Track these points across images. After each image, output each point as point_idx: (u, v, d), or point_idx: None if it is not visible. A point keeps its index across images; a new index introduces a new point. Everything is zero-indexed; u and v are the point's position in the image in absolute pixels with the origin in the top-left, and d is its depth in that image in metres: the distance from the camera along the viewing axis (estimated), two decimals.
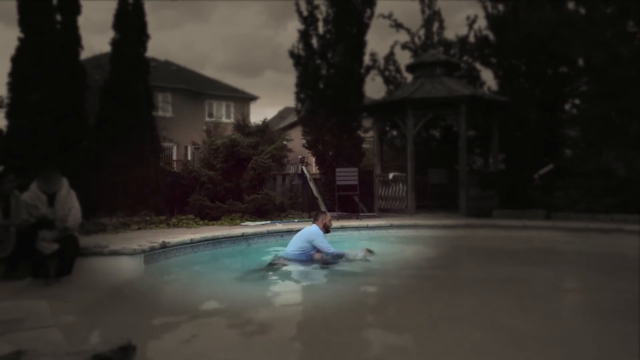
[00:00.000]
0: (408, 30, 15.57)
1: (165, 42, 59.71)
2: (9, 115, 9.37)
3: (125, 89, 10.30)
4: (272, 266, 6.23)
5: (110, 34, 10.53)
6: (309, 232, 6.76)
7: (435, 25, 15.44)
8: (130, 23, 10.50)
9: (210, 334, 3.98)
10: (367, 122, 14.43)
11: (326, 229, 6.93)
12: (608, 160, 11.31)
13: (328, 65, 13.19)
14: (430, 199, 12.88)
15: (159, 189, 10.64)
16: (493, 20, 13.91)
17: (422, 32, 15.53)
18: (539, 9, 12.30)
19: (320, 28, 13.25)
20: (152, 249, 6.15)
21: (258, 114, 40.95)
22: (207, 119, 27.25)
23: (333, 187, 12.03)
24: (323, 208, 11.35)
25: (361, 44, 13.24)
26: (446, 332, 3.83)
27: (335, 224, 7.76)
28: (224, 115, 29.32)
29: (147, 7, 10.94)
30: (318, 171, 14.07)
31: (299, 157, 15.53)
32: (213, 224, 9.50)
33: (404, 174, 12.40)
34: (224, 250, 7.45)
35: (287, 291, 5.62)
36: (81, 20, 9.94)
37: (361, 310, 4.76)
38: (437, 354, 3.38)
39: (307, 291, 5.65)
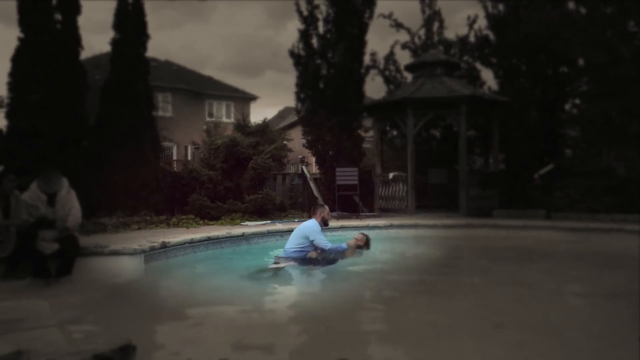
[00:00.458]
0: (408, 30, 15.58)
1: (165, 42, 59.74)
2: (9, 115, 9.38)
3: (125, 88, 10.30)
4: (272, 266, 6.22)
5: (110, 34, 10.54)
6: (306, 227, 6.67)
7: (436, 25, 15.45)
8: (130, 23, 10.50)
9: (211, 333, 3.98)
10: (367, 122, 14.42)
11: (325, 222, 6.82)
12: (608, 160, 11.33)
13: (328, 65, 13.17)
14: (431, 199, 12.88)
15: (159, 189, 10.64)
16: (493, 20, 13.92)
17: (422, 32, 15.55)
18: (539, 9, 12.31)
19: (321, 28, 13.23)
20: (152, 248, 6.14)
21: (258, 114, 40.97)
22: (207, 119, 27.25)
23: (333, 186, 12.02)
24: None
25: (361, 44, 13.23)
26: (446, 332, 3.83)
27: (335, 223, 7.76)
28: (224, 115, 29.32)
29: (147, 7, 10.95)
30: (318, 171, 14.06)
31: (299, 156, 15.52)
32: (213, 224, 9.50)
33: (404, 173, 12.40)
34: (224, 250, 7.44)
35: (286, 292, 5.62)
36: (81, 20, 9.95)
37: (360, 311, 4.75)
38: (436, 354, 3.38)
39: (307, 292, 5.64)
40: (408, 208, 11.96)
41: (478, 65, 14.70)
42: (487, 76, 16.79)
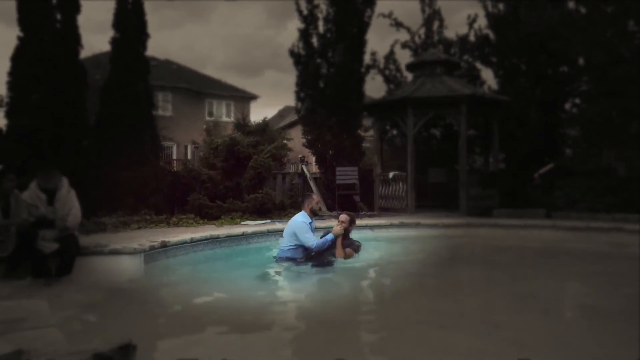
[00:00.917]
0: (408, 30, 15.58)
1: (165, 42, 59.75)
2: (8, 115, 9.37)
3: (125, 88, 10.29)
4: (271, 266, 6.21)
5: (110, 33, 10.52)
6: (293, 223, 6.47)
7: (436, 24, 15.45)
8: (130, 22, 10.49)
9: (210, 333, 3.98)
10: (367, 121, 14.42)
11: (313, 213, 6.61)
12: (608, 160, 11.33)
13: (328, 64, 13.17)
14: (431, 198, 12.88)
15: (159, 188, 10.63)
16: (493, 20, 13.92)
17: (422, 31, 15.55)
18: (539, 9, 12.31)
19: (321, 27, 13.22)
20: (152, 248, 6.14)
21: (258, 114, 41.06)
22: (207, 118, 27.24)
23: (333, 186, 12.02)
24: (324, 208, 11.33)
25: (361, 43, 13.22)
26: (445, 331, 3.83)
27: (335, 223, 7.66)
28: (224, 114, 29.31)
29: (148, 7, 10.93)
30: (318, 170, 14.06)
31: (299, 156, 15.51)
32: (213, 223, 9.49)
33: (404, 173, 12.40)
34: (224, 249, 7.44)
35: (286, 291, 5.62)
36: (81, 20, 9.94)
37: (359, 311, 4.75)
38: (436, 353, 3.38)
39: (306, 292, 5.63)
40: (408, 207, 11.96)
41: (478, 65, 14.72)
42: (487, 75, 16.82)
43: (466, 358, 3.30)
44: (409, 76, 14.21)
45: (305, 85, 13.26)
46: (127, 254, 5.84)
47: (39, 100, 9.14)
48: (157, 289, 5.50)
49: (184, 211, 10.48)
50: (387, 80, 15.45)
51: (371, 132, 14.55)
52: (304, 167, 13.68)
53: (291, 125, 24.00)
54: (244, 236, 7.95)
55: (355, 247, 6.53)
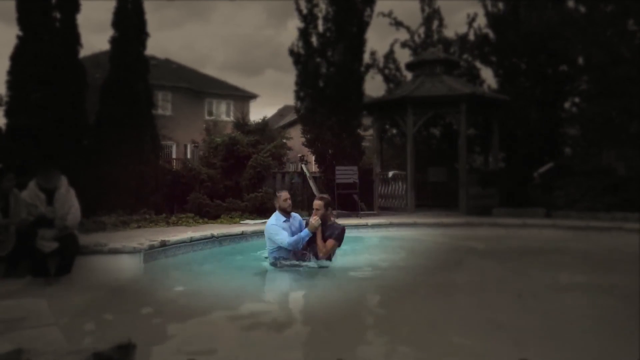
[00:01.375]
0: (408, 29, 15.58)
1: (166, 42, 59.79)
2: (8, 114, 9.36)
3: (124, 87, 10.28)
4: (270, 266, 6.19)
5: (110, 33, 10.51)
6: (266, 228, 6.14)
7: (435, 24, 15.46)
8: (130, 21, 10.48)
9: (210, 332, 3.97)
10: (367, 121, 14.42)
11: (284, 211, 6.15)
12: (608, 159, 11.33)
13: (328, 63, 13.16)
14: (430, 198, 12.89)
15: (159, 188, 10.63)
16: (493, 19, 13.92)
17: (421, 31, 15.56)
18: (539, 8, 12.32)
19: (320, 26, 13.21)
20: (152, 247, 6.14)
21: (258, 113, 41.04)
22: (207, 118, 27.25)
23: (333, 185, 12.01)
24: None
25: (361, 43, 13.21)
26: (445, 331, 3.83)
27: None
28: (223, 113, 29.32)
29: (148, 6, 10.95)
30: (318, 169, 14.06)
31: (299, 155, 15.51)
32: (213, 223, 9.49)
33: (404, 172, 12.41)
34: (224, 248, 7.44)
35: (285, 291, 5.61)
36: (80, 19, 9.94)
37: (358, 311, 4.74)
38: (435, 352, 3.38)
39: (305, 292, 5.63)
40: (408, 206, 11.97)
41: (478, 64, 14.73)
42: (487, 75, 16.81)
43: (466, 358, 3.30)
44: (409, 75, 14.22)
45: (305, 85, 13.26)
46: (127, 253, 5.84)
47: (39, 100, 9.13)
48: (157, 288, 5.49)
49: (184, 210, 10.48)
50: (387, 79, 15.46)
51: (371, 132, 14.55)
52: (303, 166, 13.67)
53: (291, 124, 24.00)
54: (243, 235, 7.95)
55: (337, 236, 5.92)
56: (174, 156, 24.31)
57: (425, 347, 3.48)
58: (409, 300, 4.96)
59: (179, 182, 11.65)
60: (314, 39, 13.23)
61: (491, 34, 14.11)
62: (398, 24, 15.49)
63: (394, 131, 15.19)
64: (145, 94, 10.72)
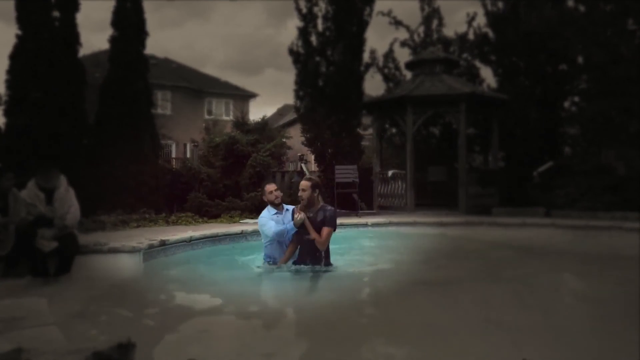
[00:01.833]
0: (407, 28, 15.56)
1: (165, 41, 59.78)
2: (7, 113, 9.37)
3: (124, 86, 10.28)
4: (269, 265, 6.18)
5: (109, 32, 10.51)
6: (258, 222, 6.02)
7: (435, 23, 15.43)
8: (129, 21, 10.48)
9: (209, 331, 3.97)
10: (366, 120, 14.41)
11: (272, 204, 5.94)
12: (608, 159, 11.33)
13: (327, 62, 13.15)
14: (430, 197, 12.89)
15: (158, 187, 10.63)
16: (493, 18, 13.91)
17: (421, 30, 15.53)
18: (539, 7, 12.31)
19: (320, 25, 13.20)
20: (151, 246, 6.14)
21: (258, 112, 41.04)
22: (207, 117, 27.23)
23: (332, 184, 12.01)
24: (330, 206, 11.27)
25: (361, 42, 13.20)
26: (444, 330, 3.83)
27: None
28: (223, 112, 29.28)
29: (148, 6, 10.98)
30: (317, 169, 14.05)
31: (298, 154, 15.52)
32: (212, 222, 9.49)
33: (403, 171, 12.40)
34: (223, 247, 7.43)
35: (284, 290, 5.59)
36: (80, 18, 9.97)
37: (358, 310, 4.73)
38: (435, 353, 3.37)
39: (305, 291, 5.61)
40: (407, 206, 11.96)
41: (477, 63, 14.70)
42: (487, 74, 16.81)
43: (466, 357, 3.30)
44: (408, 74, 14.20)
45: (305, 84, 13.25)
46: (126, 252, 5.83)
47: (38, 99, 9.13)
48: (156, 287, 5.48)
49: (183, 210, 10.48)
50: (387, 78, 15.44)
51: (370, 131, 14.55)
52: (303, 165, 13.68)
53: (290, 123, 23.99)
54: (243, 234, 7.95)
55: (329, 221, 5.46)
56: (173, 155, 24.29)
57: (425, 347, 3.48)
58: (408, 300, 4.96)
59: (178, 181, 11.66)
60: (313, 38, 13.21)
61: (491, 33, 14.09)
62: (397, 23, 15.47)
63: (394, 130, 15.17)
64: (144, 93, 10.72)
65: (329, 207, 5.63)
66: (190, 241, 6.95)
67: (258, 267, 6.01)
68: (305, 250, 5.61)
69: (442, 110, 12.35)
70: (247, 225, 8.80)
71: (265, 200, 6.05)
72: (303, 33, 13.19)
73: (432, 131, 15.11)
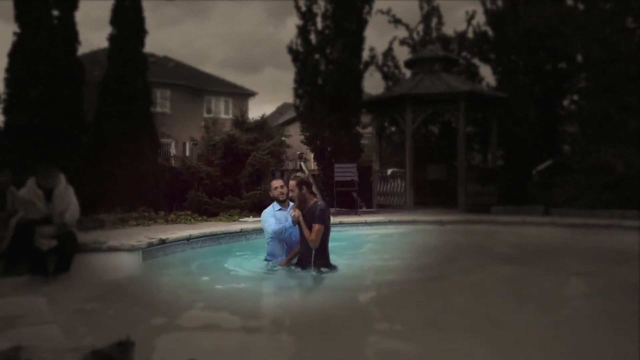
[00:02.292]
0: (407, 26, 15.57)
1: (164, 40, 59.74)
2: (6, 111, 9.36)
3: (123, 85, 10.27)
4: (269, 264, 6.18)
5: (108, 30, 10.50)
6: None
7: (434, 21, 15.44)
8: (128, 19, 10.47)
9: (209, 331, 3.97)
10: (365, 118, 14.41)
11: (277, 200, 5.92)
12: (607, 157, 11.32)
13: (327, 61, 13.16)
14: (429, 195, 12.89)
15: (157, 185, 10.62)
16: (492, 16, 13.91)
17: (420, 28, 15.54)
18: (538, 5, 12.30)
19: (319, 23, 13.21)
20: (151, 245, 6.13)
21: (257, 110, 41.01)
22: (206, 115, 27.19)
23: (332, 183, 12.02)
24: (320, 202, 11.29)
25: (360, 40, 13.21)
26: (444, 330, 3.83)
27: (334, 220, 7.56)
28: (222, 111, 29.27)
29: (148, 5, 10.97)
30: (317, 167, 14.05)
31: (298, 153, 15.51)
32: (211, 220, 9.48)
33: (403, 169, 12.40)
34: (223, 246, 7.43)
35: (284, 290, 5.59)
36: (79, 16, 9.97)
37: (358, 310, 4.74)
38: (434, 352, 3.38)
39: (304, 290, 5.61)
40: (406, 204, 11.96)
41: (476, 62, 14.71)
42: (486, 72, 16.84)
43: (467, 356, 3.30)
44: (408, 73, 14.20)
45: (304, 82, 13.25)
46: (125, 251, 5.83)
47: (37, 97, 9.12)
48: (155, 286, 5.48)
49: (182, 208, 10.48)
50: (386, 77, 15.44)
51: (369, 129, 14.54)
52: (302, 163, 13.67)
53: (290, 122, 23.98)
54: (242, 233, 7.94)
55: (318, 218, 5.31)
56: (172, 154, 24.25)
57: (425, 345, 3.48)
58: (407, 298, 4.96)
59: (177, 179, 11.65)
60: (312, 37, 13.22)
61: (490, 32, 14.09)
62: (397, 21, 15.48)
63: (393, 129, 15.18)
64: (143, 91, 10.71)
65: (319, 203, 5.51)
66: (189, 240, 6.94)
67: (258, 265, 6.01)
68: (306, 248, 5.54)
69: (441, 108, 12.34)
70: (246, 223, 8.80)
71: (271, 195, 6.07)
72: (302, 31, 13.20)
73: (432, 129, 15.11)
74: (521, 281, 5.63)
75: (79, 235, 5.78)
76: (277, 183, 6.03)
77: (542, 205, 10.41)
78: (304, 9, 13.20)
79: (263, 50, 79.42)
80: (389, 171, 12.80)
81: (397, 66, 15.42)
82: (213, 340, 3.67)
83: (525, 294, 4.98)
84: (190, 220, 9.34)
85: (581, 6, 11.84)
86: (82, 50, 10.33)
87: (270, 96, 55.74)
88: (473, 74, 14.68)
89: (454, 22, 36.11)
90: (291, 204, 6.00)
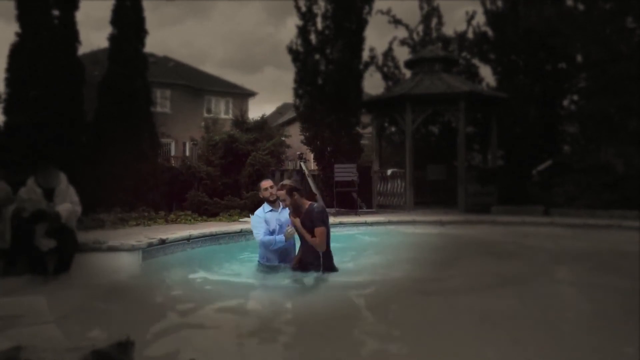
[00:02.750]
0: (407, 26, 15.57)
1: (165, 39, 59.77)
2: (6, 111, 9.35)
3: (123, 84, 10.27)
4: (269, 264, 6.17)
5: (109, 30, 10.50)
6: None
7: (434, 21, 15.45)
8: (129, 19, 10.47)
9: (208, 330, 3.97)
10: (365, 118, 14.41)
11: (268, 201, 5.72)
12: (607, 157, 11.32)
13: (327, 61, 13.15)
14: (429, 195, 12.89)
15: (157, 185, 10.63)
16: (492, 16, 13.92)
17: (420, 28, 15.54)
18: (538, 5, 12.30)
19: (319, 24, 13.21)
20: (150, 245, 6.14)
21: (257, 110, 41.00)
22: (206, 115, 27.17)
23: (331, 183, 12.02)
24: (320, 202, 11.30)
25: (360, 40, 13.21)
26: (444, 330, 3.83)
27: (333, 220, 7.58)
28: (222, 111, 29.25)
29: (148, 4, 11.01)
30: (316, 167, 14.05)
31: (298, 153, 15.51)
32: (211, 220, 9.48)
33: (403, 170, 12.40)
34: (222, 246, 7.43)
35: (284, 290, 5.59)
36: (79, 16, 9.98)
37: (358, 310, 4.74)
38: (434, 352, 3.38)
39: (304, 290, 5.61)
40: (406, 204, 11.96)
41: (476, 62, 14.71)
42: (486, 72, 16.85)
43: (467, 357, 3.30)
44: (408, 73, 14.20)
45: (304, 82, 13.25)
46: (125, 250, 5.83)
47: (37, 97, 9.12)
48: (155, 285, 5.48)
49: (182, 208, 10.48)
50: (386, 77, 15.44)
51: (369, 129, 14.54)
52: (302, 164, 13.67)
53: (290, 122, 23.98)
54: (242, 233, 7.94)
55: (316, 220, 5.18)
56: (172, 154, 24.26)
57: (424, 346, 3.48)
58: (407, 299, 4.96)
59: (177, 179, 11.65)
60: (312, 37, 13.22)
61: (490, 32, 14.10)
62: (397, 21, 15.48)
63: (393, 129, 15.18)
64: (143, 91, 10.71)
65: (315, 205, 5.33)
66: (189, 240, 6.95)
67: (257, 266, 6.00)
68: (309, 252, 5.43)
69: (441, 108, 12.34)
70: (246, 223, 8.79)
71: (261, 196, 5.87)
72: (302, 31, 13.20)
73: (432, 129, 15.11)
74: (521, 281, 5.63)
75: (78, 235, 5.78)
76: (266, 183, 5.85)
77: (542, 205, 10.41)
78: (304, 9, 13.20)
79: (263, 50, 79.49)
80: (389, 171, 12.80)
81: (397, 66, 15.43)
82: (213, 340, 3.68)
83: (525, 294, 4.98)
84: (190, 220, 9.34)
85: (581, 6, 11.84)
86: (82, 50, 10.34)
87: (270, 96, 55.81)
88: (473, 74, 14.68)
89: (454, 23, 36.18)
90: (286, 209, 5.80)
